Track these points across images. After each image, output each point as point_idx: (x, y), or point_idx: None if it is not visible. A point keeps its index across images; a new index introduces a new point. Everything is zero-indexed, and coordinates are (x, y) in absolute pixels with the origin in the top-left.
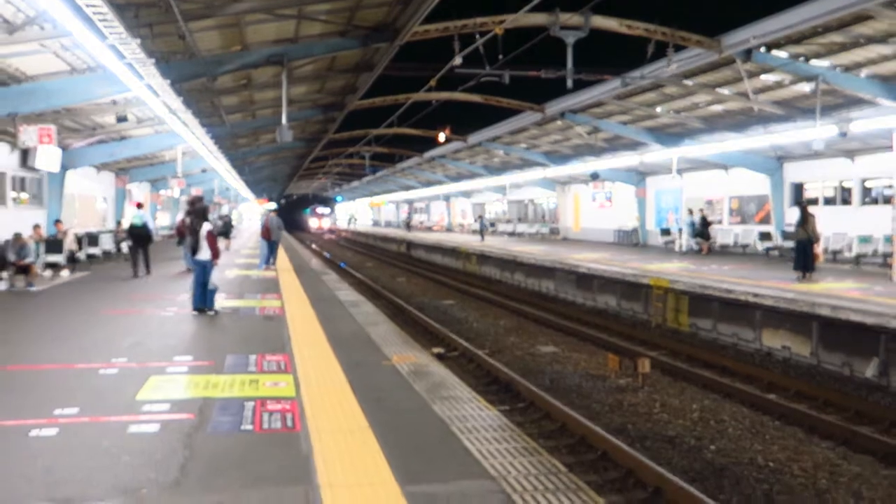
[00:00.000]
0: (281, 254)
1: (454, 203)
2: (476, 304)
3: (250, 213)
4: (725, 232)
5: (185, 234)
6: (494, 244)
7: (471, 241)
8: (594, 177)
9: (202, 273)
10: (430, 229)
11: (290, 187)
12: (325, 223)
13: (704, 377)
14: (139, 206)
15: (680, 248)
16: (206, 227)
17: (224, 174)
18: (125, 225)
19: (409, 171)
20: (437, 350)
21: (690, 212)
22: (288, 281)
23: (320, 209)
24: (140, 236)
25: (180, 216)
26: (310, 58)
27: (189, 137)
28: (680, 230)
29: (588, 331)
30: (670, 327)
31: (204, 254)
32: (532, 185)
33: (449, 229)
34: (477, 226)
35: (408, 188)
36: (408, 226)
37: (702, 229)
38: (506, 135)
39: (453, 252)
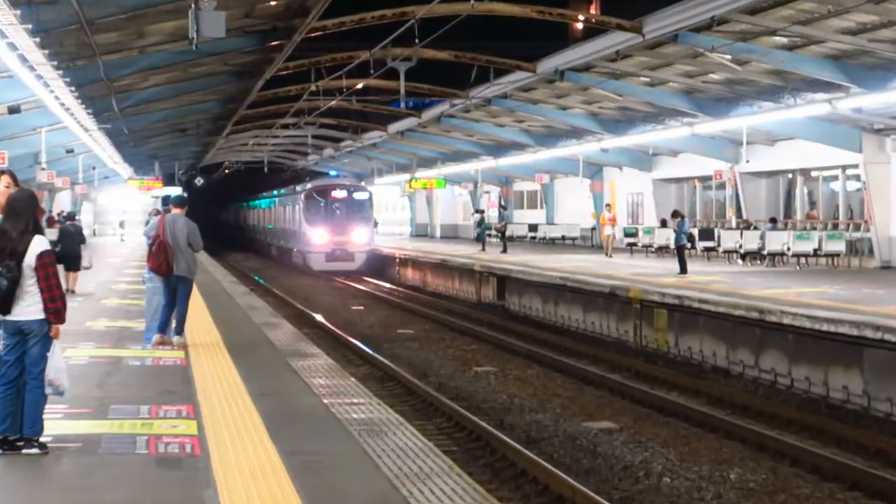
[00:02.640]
0: (196, 307)
1: (610, 180)
2: (684, 436)
3: (123, 207)
4: None
5: None
6: (712, 279)
7: (649, 271)
8: None
9: (20, 354)
10: (552, 242)
11: (215, 150)
12: (358, 237)
13: None
14: None
15: None
16: (37, 243)
17: (61, 117)
18: None
19: (504, 107)
20: None
21: None
22: (213, 374)
23: (339, 191)
24: None
25: None
26: None
27: None
28: None
29: None
30: None
31: (28, 308)
32: (802, 139)
33: (590, 244)
34: (666, 234)
35: (499, 149)
36: (501, 235)
37: None
38: (735, 12)
39: (612, 300)
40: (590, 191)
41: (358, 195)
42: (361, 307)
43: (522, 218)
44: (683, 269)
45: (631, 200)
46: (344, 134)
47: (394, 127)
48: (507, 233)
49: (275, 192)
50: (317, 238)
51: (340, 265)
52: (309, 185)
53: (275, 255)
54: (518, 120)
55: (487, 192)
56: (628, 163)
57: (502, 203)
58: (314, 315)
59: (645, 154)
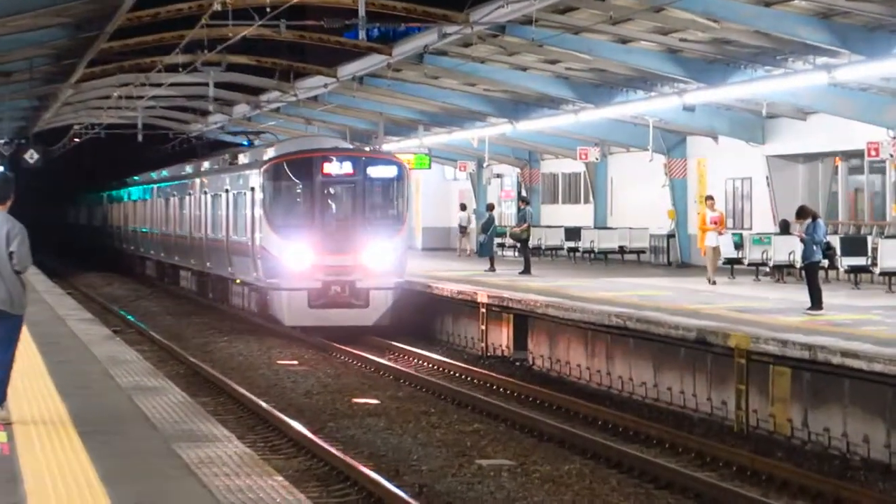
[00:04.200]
0: (26, 361)
1: (698, 158)
2: None
3: None
4: None
5: None
6: (863, 318)
7: (760, 305)
8: None
9: None
10: (605, 257)
11: (59, 107)
12: (377, 258)
13: None
14: None
15: None
16: None
17: None
18: None
19: (525, 39)
20: None
21: None
22: (53, 469)
23: (340, 162)
24: None
25: None
26: None
27: None
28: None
29: None
30: None
31: None
32: None
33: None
34: (788, 245)
35: (517, 107)
36: (520, 245)
37: None
38: None
39: (701, 353)
40: (665, 174)
41: (378, 171)
42: (294, 361)
43: (556, 218)
44: (817, 303)
45: (732, 190)
46: (267, 81)
47: (347, 70)
48: (532, 242)
49: (189, 170)
50: (292, 259)
51: (341, 315)
52: (273, 152)
53: (190, 286)
54: (549, 59)
55: (499, 177)
56: (727, 130)
57: (523, 195)
58: (218, 374)
59: (754, 115)
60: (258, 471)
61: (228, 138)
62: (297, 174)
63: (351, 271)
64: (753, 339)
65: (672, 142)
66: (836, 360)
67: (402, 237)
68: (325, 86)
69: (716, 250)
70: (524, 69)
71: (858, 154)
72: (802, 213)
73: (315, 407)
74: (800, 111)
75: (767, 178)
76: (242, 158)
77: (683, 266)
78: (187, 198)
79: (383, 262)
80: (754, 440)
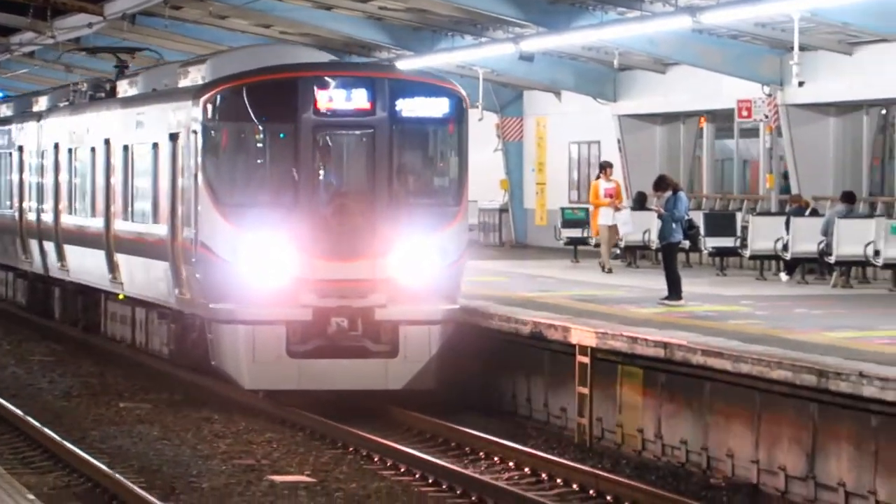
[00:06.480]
0: None
1: (537, 117)
2: None
3: None
4: None
5: None
6: (730, 310)
7: (609, 294)
8: None
9: None
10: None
11: None
12: (416, 261)
13: None
14: None
15: None
16: None
17: None
18: None
19: None
20: None
21: None
22: None
23: (347, 87)
24: None
25: None
26: None
27: None
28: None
29: None
30: None
31: None
32: None
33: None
34: (643, 221)
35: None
36: None
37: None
38: None
39: (536, 350)
40: (497, 136)
41: (417, 106)
42: (50, 357)
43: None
44: (675, 291)
45: (576, 156)
46: (19, 19)
47: (116, 6)
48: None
49: (15, 107)
50: (257, 266)
51: (347, 371)
52: (213, 69)
53: (13, 295)
54: None
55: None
56: (572, 84)
57: None
58: None
59: (605, 67)
60: (6, 488)
61: None
62: (266, 111)
63: (366, 290)
64: (599, 334)
65: (506, 98)
66: (697, 359)
67: (459, 228)
68: (90, 25)
69: (612, 230)
70: (329, 8)
71: (727, 114)
72: (661, 184)
73: (76, 412)
74: (658, 62)
75: (619, 141)
76: (129, 86)
77: (519, 246)
78: (14, 155)
79: (425, 274)
80: (599, 454)
